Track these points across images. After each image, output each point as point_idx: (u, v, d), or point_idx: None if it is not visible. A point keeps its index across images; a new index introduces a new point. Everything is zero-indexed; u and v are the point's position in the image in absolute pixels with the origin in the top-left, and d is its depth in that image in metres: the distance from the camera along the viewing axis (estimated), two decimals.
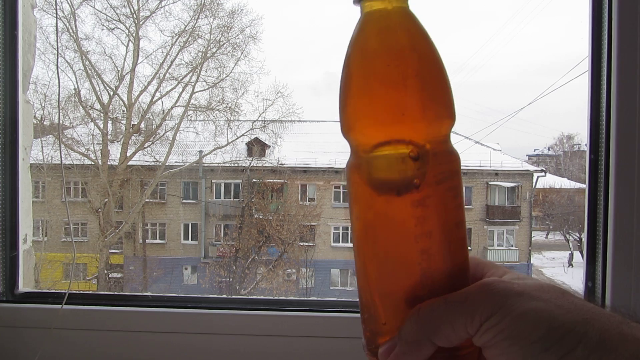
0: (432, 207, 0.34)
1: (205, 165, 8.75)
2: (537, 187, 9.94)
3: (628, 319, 0.33)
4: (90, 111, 7.82)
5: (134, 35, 7.77)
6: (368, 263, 0.35)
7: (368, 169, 0.34)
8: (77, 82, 7.57)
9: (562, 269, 11.07)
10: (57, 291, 0.98)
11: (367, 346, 0.37)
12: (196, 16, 7.90)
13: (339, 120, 0.36)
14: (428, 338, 0.34)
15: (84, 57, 7.59)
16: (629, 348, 0.30)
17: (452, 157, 0.36)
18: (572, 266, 11.31)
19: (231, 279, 8.16)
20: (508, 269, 0.38)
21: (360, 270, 0.36)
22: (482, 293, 0.33)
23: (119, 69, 7.79)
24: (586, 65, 0.92)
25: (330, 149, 10.59)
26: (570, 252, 11.34)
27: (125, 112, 7.91)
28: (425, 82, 0.33)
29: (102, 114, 7.85)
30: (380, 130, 0.33)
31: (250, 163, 8.88)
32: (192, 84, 8.01)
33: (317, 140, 10.42)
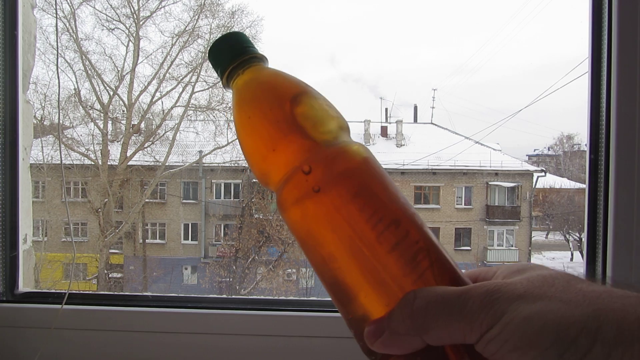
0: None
1: (205, 165, 8.75)
2: (537, 187, 9.95)
3: None
4: (90, 111, 7.82)
5: (134, 35, 7.78)
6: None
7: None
8: (77, 82, 7.57)
9: (562, 268, 11.05)
10: (57, 291, 0.98)
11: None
12: (196, 17, 7.90)
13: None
14: (419, 335, 0.31)
15: (84, 57, 7.59)
16: None
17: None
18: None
19: (231, 279, 8.17)
20: (513, 264, 0.35)
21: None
22: (483, 301, 0.29)
23: (119, 69, 7.79)
24: (586, 66, 0.92)
25: None
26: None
27: (125, 112, 7.92)
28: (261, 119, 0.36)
29: (102, 114, 7.85)
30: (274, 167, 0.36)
31: None
32: (192, 84, 8.01)
33: None
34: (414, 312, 0.31)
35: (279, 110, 0.36)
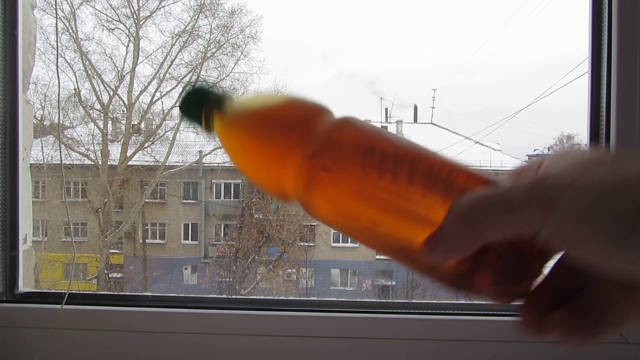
0: None
1: (205, 165, 8.75)
2: None
3: None
4: (90, 111, 7.82)
5: (134, 35, 7.77)
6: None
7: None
8: (77, 82, 7.57)
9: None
10: (57, 291, 0.97)
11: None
12: (196, 16, 7.90)
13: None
14: (473, 234, 0.30)
15: (84, 57, 7.59)
16: None
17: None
18: None
19: (231, 279, 8.16)
20: (557, 152, 0.34)
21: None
22: (530, 193, 0.28)
23: (119, 69, 7.79)
24: (586, 66, 0.92)
25: None
26: None
27: (125, 112, 7.92)
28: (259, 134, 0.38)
29: (102, 114, 7.85)
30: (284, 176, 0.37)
31: None
32: (192, 84, 8.01)
33: None
34: (462, 213, 0.30)
35: (265, 142, 0.37)
